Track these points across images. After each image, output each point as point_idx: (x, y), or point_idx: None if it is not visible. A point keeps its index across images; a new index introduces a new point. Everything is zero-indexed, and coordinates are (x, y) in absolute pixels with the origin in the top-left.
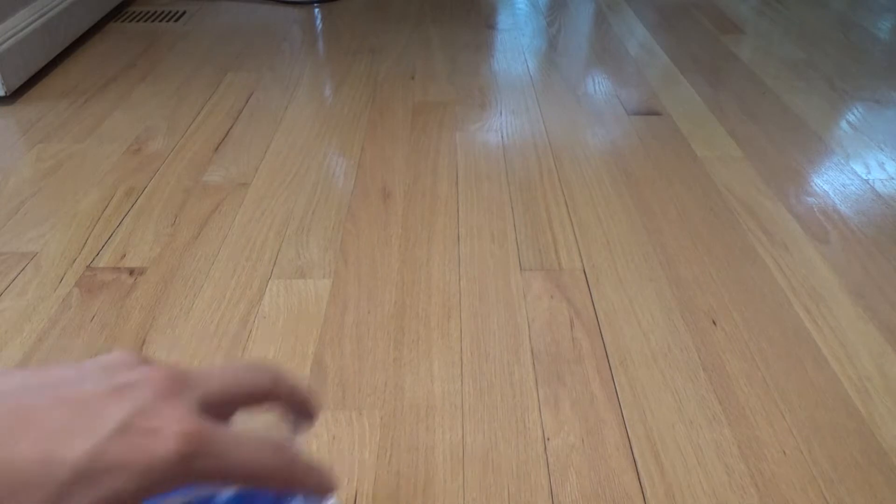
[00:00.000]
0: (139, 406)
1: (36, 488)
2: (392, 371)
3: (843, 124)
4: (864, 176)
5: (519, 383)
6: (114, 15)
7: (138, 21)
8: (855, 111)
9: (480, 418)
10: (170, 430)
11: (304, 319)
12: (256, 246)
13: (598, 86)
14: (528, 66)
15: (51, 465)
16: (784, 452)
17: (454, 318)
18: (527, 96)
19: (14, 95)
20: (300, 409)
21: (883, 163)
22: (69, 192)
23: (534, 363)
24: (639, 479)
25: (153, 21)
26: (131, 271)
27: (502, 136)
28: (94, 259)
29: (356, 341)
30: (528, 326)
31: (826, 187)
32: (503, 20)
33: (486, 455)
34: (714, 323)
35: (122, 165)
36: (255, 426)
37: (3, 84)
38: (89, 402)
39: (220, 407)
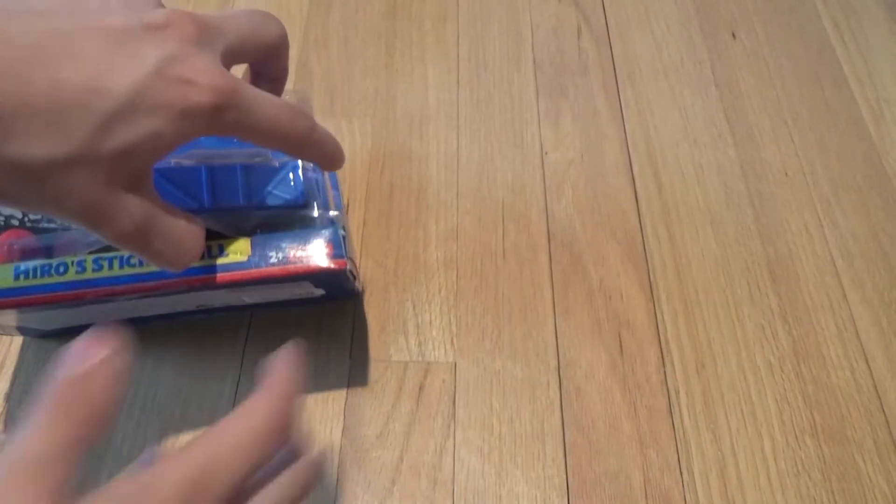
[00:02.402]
0: (171, 52)
1: (81, 114)
2: (383, 77)
3: None
4: None
5: (518, 94)
6: None
7: None
8: None
9: (477, 129)
10: (204, 82)
11: (286, 17)
12: None
13: None
14: None
15: (97, 94)
16: (786, 174)
17: (451, 21)
18: None
19: None
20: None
21: None
22: None
23: (535, 73)
24: (635, 195)
25: None
26: None
27: None
28: None
29: (343, 43)
30: (532, 33)
31: None
32: None
33: (481, 167)
34: (734, 35)
35: None
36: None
37: None
38: (122, 37)
39: (240, 56)
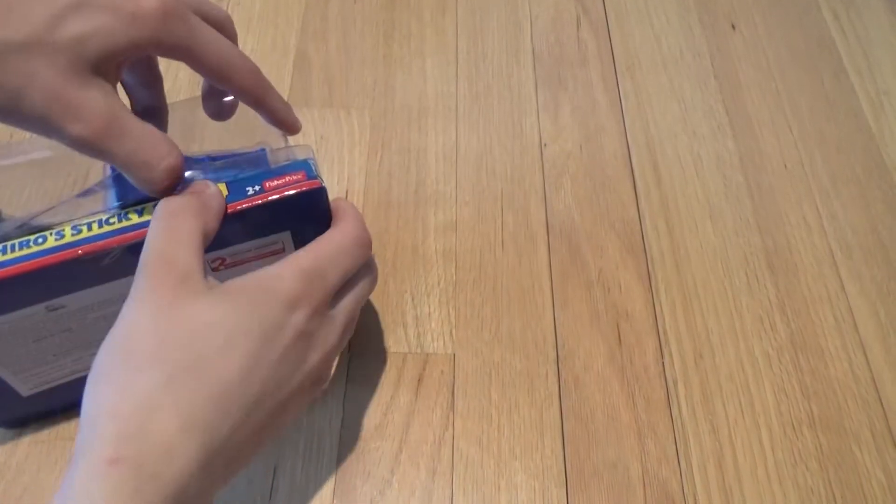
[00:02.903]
0: None
1: (37, 4)
2: (382, 69)
3: None
4: None
5: (517, 86)
6: None
7: None
8: None
9: (475, 121)
10: None
11: (284, 7)
12: None
13: None
14: None
15: None
16: (785, 166)
17: (450, 13)
18: None
19: None
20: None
21: None
22: None
23: (534, 65)
24: (634, 186)
25: None
26: None
27: None
28: None
29: (342, 35)
30: (531, 24)
31: None
32: None
33: (479, 159)
34: (733, 27)
35: None
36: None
37: None
38: None
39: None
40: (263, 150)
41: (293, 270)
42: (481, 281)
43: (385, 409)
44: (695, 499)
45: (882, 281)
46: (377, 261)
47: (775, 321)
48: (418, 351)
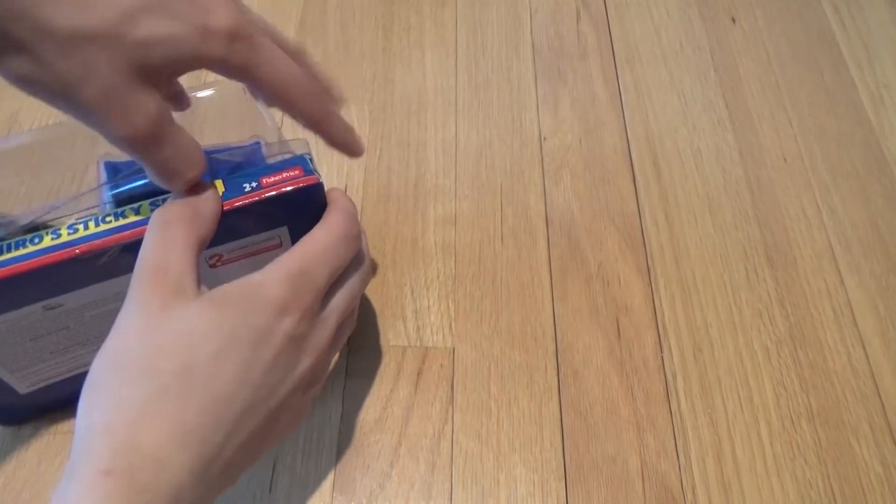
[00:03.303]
0: None
1: (109, 3)
2: (381, 62)
3: None
4: None
5: (517, 79)
6: None
7: None
8: None
9: (475, 115)
10: (224, 12)
11: (282, 1)
12: None
13: None
14: None
15: None
16: (785, 160)
17: (449, 6)
18: None
19: None
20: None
21: None
22: None
23: (534, 58)
24: (634, 180)
25: None
26: None
27: None
28: None
29: (340, 28)
30: (531, 17)
31: None
32: None
33: (479, 152)
34: (733, 20)
35: None
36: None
37: None
38: None
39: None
40: (258, 143)
41: (279, 275)
42: (481, 274)
43: (384, 402)
44: (693, 492)
45: (881, 275)
46: (375, 254)
47: (774, 315)
48: (418, 344)
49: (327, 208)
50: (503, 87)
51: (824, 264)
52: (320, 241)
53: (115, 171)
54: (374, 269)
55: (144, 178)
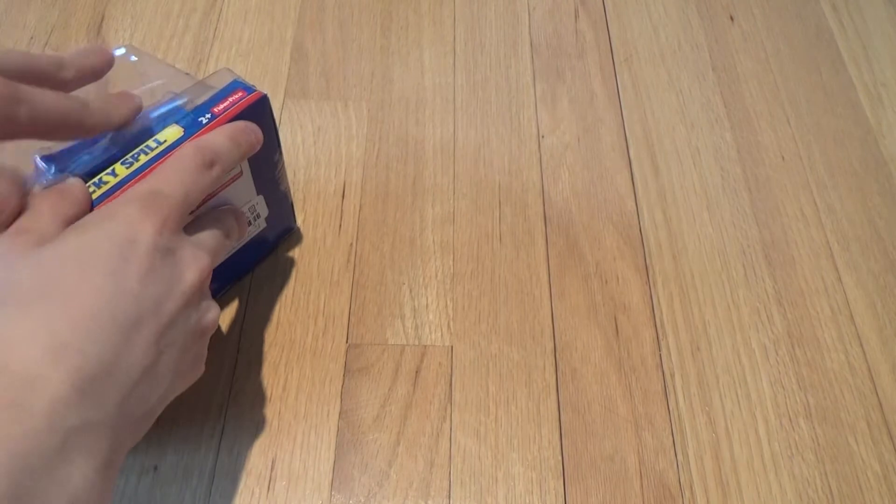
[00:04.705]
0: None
1: None
2: (379, 60)
3: None
4: None
5: (515, 78)
6: None
7: None
8: None
9: (473, 113)
10: None
11: None
12: None
13: None
14: None
15: None
16: (783, 158)
17: (447, 3)
18: None
19: None
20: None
21: None
22: None
23: (532, 56)
24: (632, 179)
25: None
26: None
27: None
28: None
29: (339, 26)
30: (529, 15)
31: None
32: None
33: (477, 151)
34: (732, 19)
35: None
36: None
37: None
38: None
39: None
40: (183, 95)
41: (128, 195)
42: (479, 273)
43: (383, 401)
44: (691, 490)
45: (879, 273)
46: (374, 253)
47: (772, 313)
48: (416, 343)
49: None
50: (501, 86)
51: (822, 262)
52: (168, 161)
53: (52, 161)
54: (243, 219)
55: (87, 154)
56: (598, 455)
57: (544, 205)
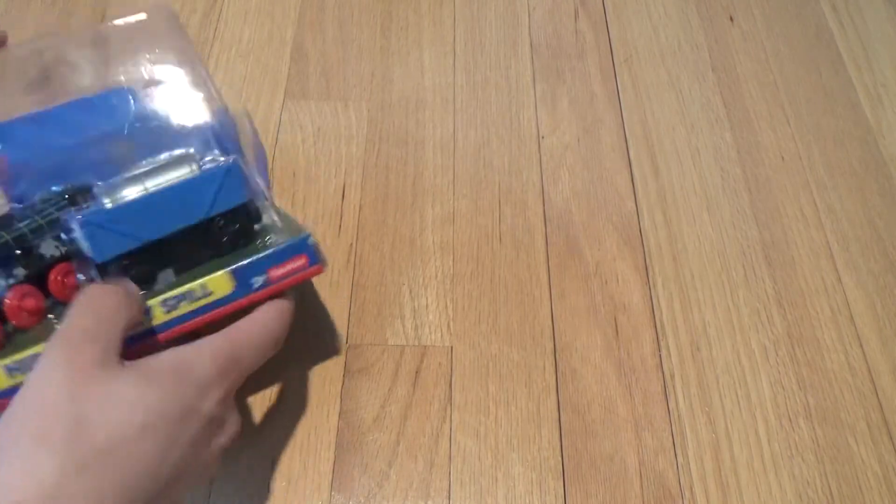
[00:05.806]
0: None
1: None
2: (379, 61)
3: None
4: None
5: (515, 78)
6: None
7: None
8: None
9: (473, 114)
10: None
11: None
12: None
13: None
14: None
15: None
16: (783, 158)
17: (447, 4)
18: None
19: None
20: None
21: None
22: None
23: (532, 57)
24: (632, 179)
25: None
26: None
27: None
28: None
29: (339, 26)
30: (529, 16)
31: None
32: None
33: (477, 151)
34: (731, 19)
35: None
36: None
37: None
38: None
39: None
40: (191, 150)
41: (212, 354)
42: (479, 273)
43: (383, 401)
44: (691, 491)
45: (879, 273)
46: (374, 253)
47: (772, 313)
48: (416, 343)
49: (269, 302)
50: (501, 86)
51: (822, 263)
52: (254, 334)
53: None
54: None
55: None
56: (597, 455)
57: (544, 205)
